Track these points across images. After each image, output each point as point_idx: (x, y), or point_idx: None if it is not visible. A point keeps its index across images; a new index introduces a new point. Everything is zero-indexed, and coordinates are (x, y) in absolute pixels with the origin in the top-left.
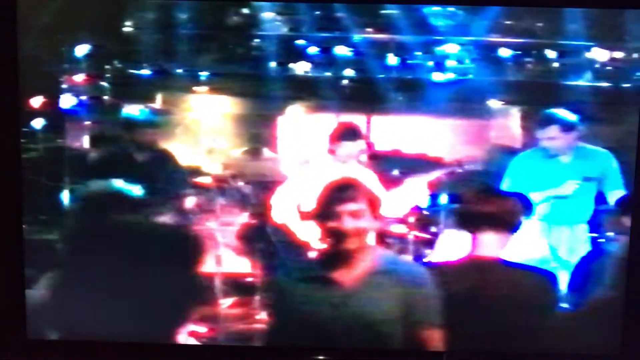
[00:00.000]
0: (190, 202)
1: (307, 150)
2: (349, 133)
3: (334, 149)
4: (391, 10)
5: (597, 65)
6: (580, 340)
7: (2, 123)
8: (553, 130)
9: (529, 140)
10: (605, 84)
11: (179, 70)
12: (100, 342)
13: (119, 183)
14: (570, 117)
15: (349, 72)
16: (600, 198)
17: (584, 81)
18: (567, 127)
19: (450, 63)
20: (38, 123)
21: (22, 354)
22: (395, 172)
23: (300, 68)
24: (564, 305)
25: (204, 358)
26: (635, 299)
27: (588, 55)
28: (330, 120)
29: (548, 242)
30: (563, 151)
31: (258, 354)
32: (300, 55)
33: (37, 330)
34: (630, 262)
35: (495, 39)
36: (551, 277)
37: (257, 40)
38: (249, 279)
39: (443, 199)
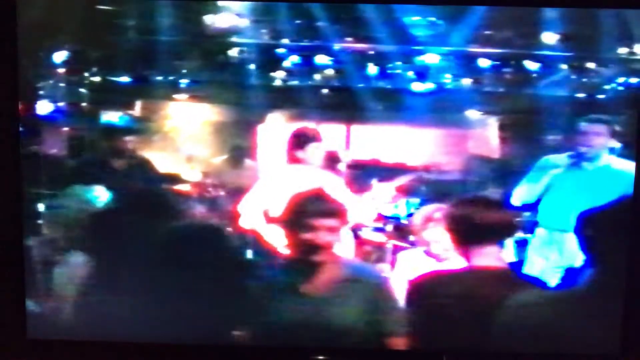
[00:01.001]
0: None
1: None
2: (306, 138)
3: (295, 156)
4: (371, 18)
5: (574, 76)
6: (580, 340)
7: (2, 124)
8: (599, 127)
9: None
10: (582, 95)
11: (159, 78)
12: (100, 342)
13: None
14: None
15: (329, 81)
16: None
17: (563, 92)
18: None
19: (430, 73)
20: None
21: (22, 354)
22: (374, 181)
23: (281, 76)
24: None
25: (204, 357)
26: (635, 299)
27: (566, 65)
28: (286, 129)
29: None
30: (593, 156)
31: (258, 354)
32: (280, 63)
33: (37, 330)
34: (630, 263)
35: (474, 49)
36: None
37: (237, 48)
38: None
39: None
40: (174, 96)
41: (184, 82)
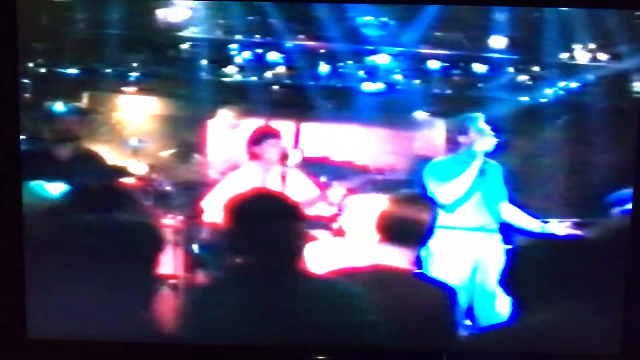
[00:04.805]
0: None
1: (236, 154)
2: (267, 135)
3: (256, 152)
4: (324, 17)
5: (518, 79)
6: (580, 340)
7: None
8: (473, 133)
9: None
10: (525, 98)
11: (108, 70)
12: (100, 342)
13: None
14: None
15: (280, 78)
16: None
17: (507, 94)
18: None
19: (380, 73)
20: None
21: (22, 354)
22: (323, 179)
23: (232, 72)
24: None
25: (204, 357)
26: (635, 299)
27: (512, 69)
28: (249, 125)
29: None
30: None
31: (258, 353)
32: (232, 59)
33: (37, 330)
34: (630, 262)
35: (425, 50)
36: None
37: (189, 42)
38: None
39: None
40: (123, 89)
41: (133, 75)
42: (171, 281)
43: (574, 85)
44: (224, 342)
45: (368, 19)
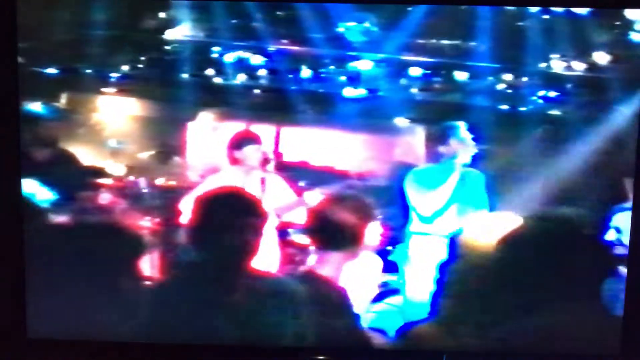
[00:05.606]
0: None
1: (216, 156)
2: (247, 140)
3: (236, 157)
4: (307, 21)
5: (499, 87)
6: (580, 340)
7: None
8: (453, 142)
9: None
10: (505, 106)
11: (89, 71)
12: (100, 342)
13: None
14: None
15: (261, 81)
16: None
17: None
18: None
19: (362, 79)
20: None
21: (22, 354)
22: (302, 184)
23: (213, 75)
24: None
25: (204, 358)
26: (635, 299)
27: (494, 77)
28: (230, 129)
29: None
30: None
31: (258, 354)
32: (214, 62)
33: (37, 330)
34: (630, 262)
35: (407, 57)
36: None
37: (171, 44)
38: None
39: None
40: (103, 89)
41: (114, 75)
42: (159, 282)
43: (553, 94)
44: (224, 342)
45: (351, 24)
